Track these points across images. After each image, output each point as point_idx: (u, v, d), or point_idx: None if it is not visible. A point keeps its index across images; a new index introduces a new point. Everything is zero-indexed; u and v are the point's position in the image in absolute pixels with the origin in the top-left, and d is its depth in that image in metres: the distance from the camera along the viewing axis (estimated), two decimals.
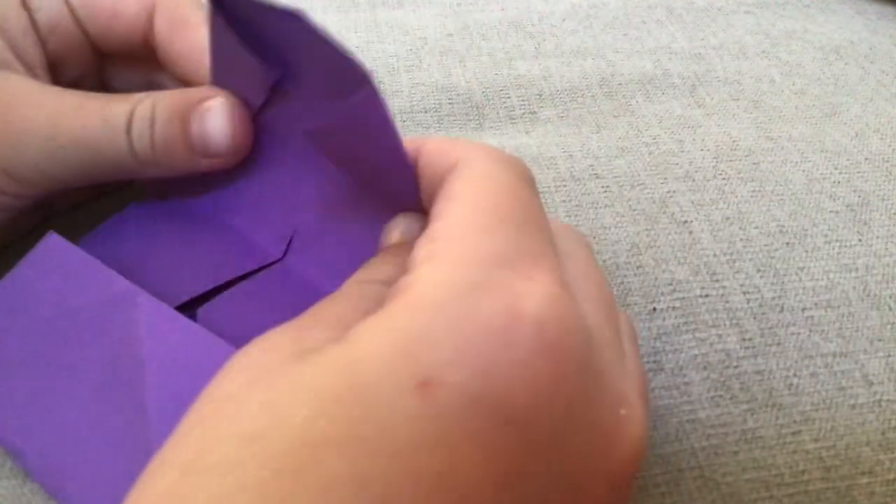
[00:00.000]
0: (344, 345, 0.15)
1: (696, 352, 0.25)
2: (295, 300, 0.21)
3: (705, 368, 0.24)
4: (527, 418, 0.15)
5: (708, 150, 0.32)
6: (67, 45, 0.26)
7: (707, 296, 0.26)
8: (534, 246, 0.17)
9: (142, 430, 0.19)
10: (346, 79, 0.18)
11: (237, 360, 0.16)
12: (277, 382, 0.15)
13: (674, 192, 0.30)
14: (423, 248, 0.17)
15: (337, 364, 0.15)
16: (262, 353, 0.16)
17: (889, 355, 0.25)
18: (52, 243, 0.23)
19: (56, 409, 0.21)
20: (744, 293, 0.26)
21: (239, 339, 0.19)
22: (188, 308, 0.22)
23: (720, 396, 0.24)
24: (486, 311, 0.15)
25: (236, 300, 0.23)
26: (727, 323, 0.25)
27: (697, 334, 0.25)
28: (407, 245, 0.21)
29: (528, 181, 0.19)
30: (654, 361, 0.25)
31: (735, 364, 0.24)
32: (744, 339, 0.25)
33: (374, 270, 0.20)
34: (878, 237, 0.28)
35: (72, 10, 0.25)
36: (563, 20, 0.41)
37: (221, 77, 0.23)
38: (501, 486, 0.14)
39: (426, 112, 0.35)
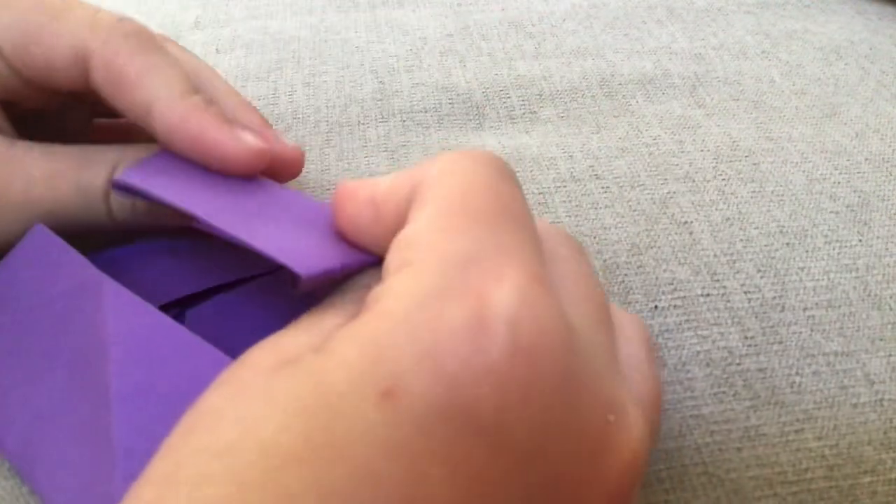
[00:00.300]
0: (318, 355, 0.15)
1: (698, 348, 0.25)
2: (293, 308, 0.21)
3: (708, 365, 0.24)
4: (499, 427, 0.14)
5: (708, 150, 0.32)
6: (13, 92, 0.24)
7: (708, 295, 0.26)
8: (508, 241, 0.16)
9: (105, 418, 0.19)
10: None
11: (226, 373, 0.16)
12: (252, 396, 0.15)
13: (674, 192, 0.30)
14: (395, 256, 0.17)
15: (307, 375, 0.15)
16: (244, 366, 0.16)
17: (890, 355, 0.25)
18: (37, 234, 0.23)
19: (32, 397, 0.21)
20: (745, 293, 0.26)
21: (229, 343, 0.19)
22: (184, 306, 0.22)
23: (723, 393, 0.24)
24: (451, 316, 0.15)
25: (230, 304, 0.23)
26: (729, 321, 0.25)
27: (699, 332, 0.25)
28: None
29: (505, 175, 0.18)
30: (658, 357, 0.25)
31: (737, 361, 0.24)
32: (746, 338, 0.25)
33: (360, 277, 0.20)
34: (878, 237, 0.28)
35: (8, 62, 0.24)
36: (564, 20, 0.41)
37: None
38: (473, 498, 0.14)
39: (426, 112, 0.35)
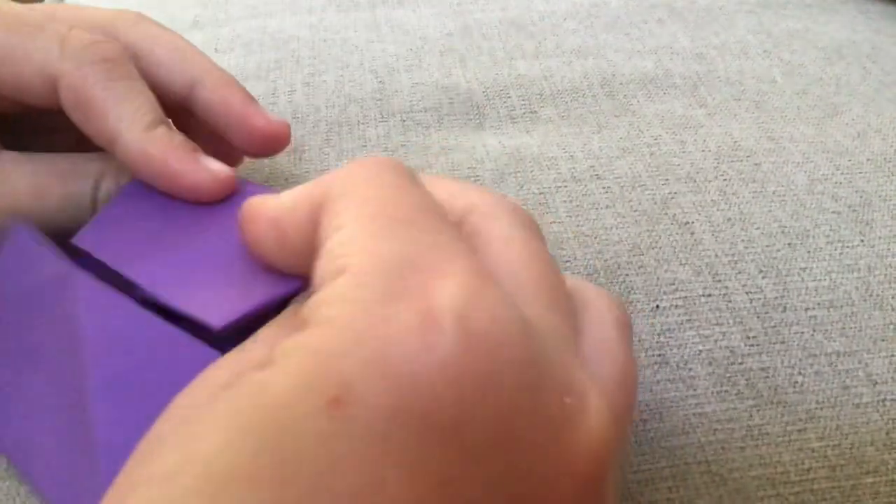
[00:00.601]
0: (261, 369, 0.14)
1: (700, 347, 0.25)
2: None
3: (710, 364, 0.24)
4: (457, 423, 0.14)
5: (709, 150, 0.32)
6: None
7: (710, 295, 0.26)
8: (440, 239, 0.16)
9: (84, 411, 0.19)
10: None
11: (179, 395, 0.16)
12: (196, 417, 0.14)
13: (675, 193, 0.30)
14: (327, 264, 0.16)
15: (250, 390, 0.14)
16: (197, 387, 0.16)
17: (892, 355, 0.25)
18: (16, 232, 0.23)
19: (23, 393, 0.21)
20: (746, 293, 0.26)
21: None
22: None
23: (726, 392, 0.24)
24: (397, 318, 0.14)
25: None
26: (730, 321, 0.25)
27: (701, 331, 0.25)
28: None
29: (408, 176, 0.18)
30: (659, 355, 0.25)
31: (740, 361, 0.24)
32: (748, 337, 0.25)
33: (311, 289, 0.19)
34: (880, 238, 0.28)
35: None
36: (564, 20, 0.41)
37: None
38: (434, 497, 0.13)
39: (426, 112, 0.35)
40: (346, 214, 0.17)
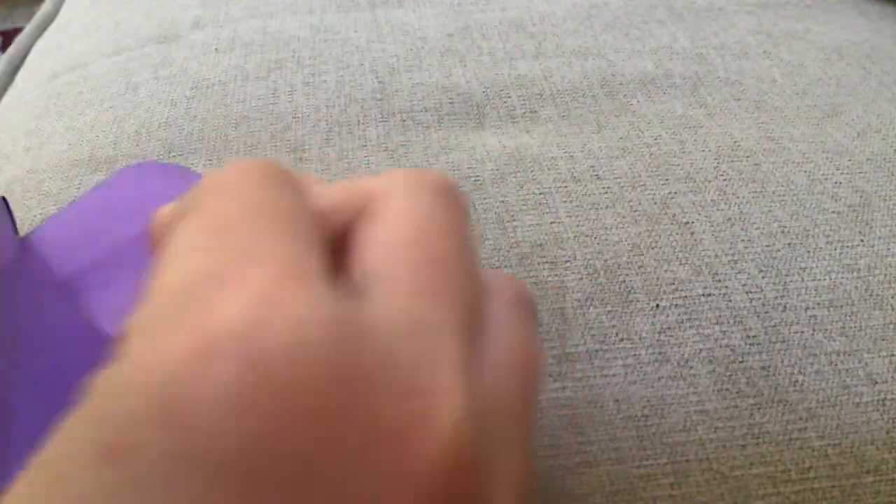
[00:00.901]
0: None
1: (700, 346, 0.25)
2: None
3: (711, 362, 0.24)
4: (250, 460, 0.12)
5: (709, 150, 0.32)
6: None
7: (710, 295, 0.26)
8: (258, 241, 0.14)
9: (6, 403, 0.19)
10: None
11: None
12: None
13: (675, 193, 0.30)
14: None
15: (54, 438, 0.13)
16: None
17: (892, 354, 0.25)
18: None
19: None
20: (746, 293, 0.26)
21: None
22: None
23: (727, 390, 0.24)
24: (172, 349, 0.12)
25: None
26: (731, 321, 0.25)
27: (702, 330, 0.25)
28: None
29: (271, 173, 0.16)
30: (660, 353, 0.25)
31: (740, 359, 0.24)
32: (748, 337, 0.25)
33: None
34: (879, 238, 0.28)
35: None
36: (564, 20, 0.41)
37: None
38: None
39: (426, 112, 0.35)
40: (178, 230, 0.15)
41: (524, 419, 0.16)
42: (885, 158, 0.31)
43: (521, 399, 0.16)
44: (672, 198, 0.29)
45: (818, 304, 0.26)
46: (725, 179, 0.30)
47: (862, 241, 0.28)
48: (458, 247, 0.16)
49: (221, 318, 0.12)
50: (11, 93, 0.42)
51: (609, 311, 0.25)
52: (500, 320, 0.17)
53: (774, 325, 0.25)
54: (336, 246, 0.16)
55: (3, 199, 0.23)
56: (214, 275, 0.13)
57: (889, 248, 0.28)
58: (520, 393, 0.16)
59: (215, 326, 0.12)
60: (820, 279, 0.26)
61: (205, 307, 0.13)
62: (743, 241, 0.28)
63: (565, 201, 0.29)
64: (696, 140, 0.32)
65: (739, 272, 0.27)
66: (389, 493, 0.13)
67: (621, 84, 0.36)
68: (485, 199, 0.29)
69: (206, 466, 0.12)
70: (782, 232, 0.28)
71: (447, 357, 0.14)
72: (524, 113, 0.34)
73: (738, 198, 0.29)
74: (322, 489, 0.12)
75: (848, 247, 0.28)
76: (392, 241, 0.15)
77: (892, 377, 0.24)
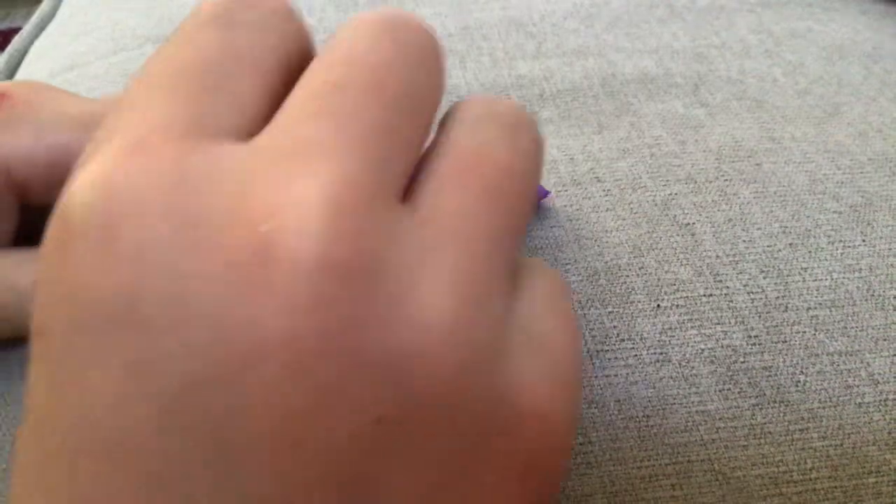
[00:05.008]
0: None
1: (702, 346, 0.25)
2: None
3: (712, 362, 0.24)
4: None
5: (710, 150, 0.31)
6: None
7: (711, 295, 0.26)
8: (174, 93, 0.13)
9: None
10: None
11: None
12: None
13: (675, 194, 0.29)
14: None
15: None
16: None
17: (894, 355, 0.24)
18: None
19: None
20: (748, 293, 0.26)
21: None
22: None
23: (728, 390, 0.24)
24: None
25: None
26: (732, 321, 0.25)
27: (703, 330, 0.25)
28: None
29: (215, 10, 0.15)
30: (661, 353, 0.25)
31: (742, 360, 0.24)
32: (749, 337, 0.25)
33: None
34: (881, 238, 0.28)
35: None
36: (565, 19, 0.41)
37: None
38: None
39: None
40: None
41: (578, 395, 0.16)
42: (887, 158, 0.31)
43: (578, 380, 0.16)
44: (673, 199, 0.29)
45: (820, 304, 0.26)
46: (726, 180, 0.30)
47: (864, 241, 0.28)
48: (380, 77, 0.14)
49: (96, 162, 0.12)
50: None
51: (610, 313, 0.25)
52: (542, 317, 0.16)
53: (776, 326, 0.25)
54: None
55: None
56: (111, 128, 0.13)
57: (891, 248, 0.27)
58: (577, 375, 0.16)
59: (90, 168, 0.12)
60: (821, 279, 0.26)
61: (103, 143, 0.13)
62: (744, 241, 0.28)
63: (566, 205, 0.29)
64: (696, 140, 0.32)
65: (741, 272, 0.26)
66: (264, 315, 0.11)
67: (622, 84, 0.36)
68: None
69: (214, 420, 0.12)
70: (783, 232, 0.28)
71: (320, 175, 0.12)
72: None
73: (738, 198, 0.29)
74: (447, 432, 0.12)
75: (850, 247, 0.27)
76: (309, 71, 0.14)
77: (895, 378, 0.24)
